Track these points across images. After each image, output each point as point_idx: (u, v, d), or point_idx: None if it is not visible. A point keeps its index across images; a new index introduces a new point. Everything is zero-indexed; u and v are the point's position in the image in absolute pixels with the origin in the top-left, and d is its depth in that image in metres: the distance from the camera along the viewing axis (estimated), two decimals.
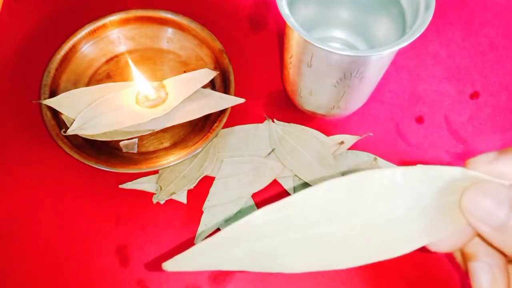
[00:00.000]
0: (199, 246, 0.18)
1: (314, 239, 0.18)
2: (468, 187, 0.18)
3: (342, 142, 0.36)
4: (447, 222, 0.19)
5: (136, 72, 0.34)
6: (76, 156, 0.33)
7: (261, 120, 0.38)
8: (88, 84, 0.38)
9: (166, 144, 0.37)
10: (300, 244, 0.18)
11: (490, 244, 0.19)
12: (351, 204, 0.18)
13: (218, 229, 0.34)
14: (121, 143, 0.36)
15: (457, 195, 0.18)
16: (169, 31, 0.39)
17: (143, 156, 0.36)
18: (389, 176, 0.18)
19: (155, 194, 0.35)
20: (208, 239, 0.18)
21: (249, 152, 0.36)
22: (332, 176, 0.33)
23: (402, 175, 0.18)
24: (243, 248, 0.18)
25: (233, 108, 0.35)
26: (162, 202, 0.35)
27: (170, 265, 0.18)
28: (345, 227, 0.18)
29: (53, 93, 0.36)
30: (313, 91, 0.33)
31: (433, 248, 0.20)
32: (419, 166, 0.18)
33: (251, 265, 0.18)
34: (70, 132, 0.34)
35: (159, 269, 0.33)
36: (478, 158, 0.19)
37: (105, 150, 0.35)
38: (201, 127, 0.36)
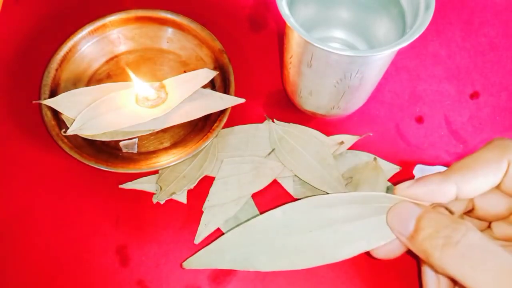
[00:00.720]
0: (203, 252, 0.26)
1: (276, 248, 0.25)
2: (391, 207, 0.24)
3: (342, 142, 0.36)
4: (381, 234, 0.24)
5: (134, 76, 0.34)
6: (76, 156, 0.33)
7: (261, 120, 0.38)
8: (88, 84, 0.38)
9: (166, 144, 0.37)
10: (266, 251, 0.25)
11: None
12: (302, 222, 0.25)
13: (218, 229, 0.34)
14: (121, 143, 0.36)
15: (385, 214, 0.24)
16: (169, 31, 0.39)
17: (143, 156, 0.36)
18: (328, 201, 0.24)
19: (155, 194, 0.35)
20: (206, 247, 0.26)
21: (249, 152, 0.36)
22: (332, 176, 0.34)
23: (345, 198, 0.24)
24: (227, 255, 0.25)
25: (233, 108, 0.35)
26: (162, 202, 0.35)
27: (187, 265, 0.26)
28: (298, 239, 0.25)
29: (53, 93, 0.36)
30: (313, 91, 0.33)
31: (374, 254, 0.25)
32: (358, 193, 0.25)
33: (236, 265, 0.25)
34: (70, 132, 0.34)
35: (159, 269, 0.33)
36: (399, 186, 0.24)
37: (105, 150, 0.35)
38: (201, 127, 0.36)
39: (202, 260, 0.26)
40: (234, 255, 0.25)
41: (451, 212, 0.23)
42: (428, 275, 0.27)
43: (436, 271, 0.23)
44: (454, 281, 0.26)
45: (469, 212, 0.26)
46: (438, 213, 0.23)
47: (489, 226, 0.26)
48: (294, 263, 0.25)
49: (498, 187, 0.24)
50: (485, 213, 0.25)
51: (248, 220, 0.26)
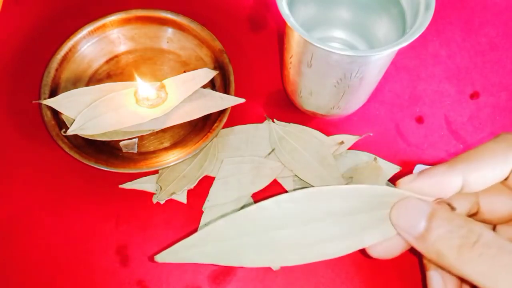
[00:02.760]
0: (182, 243, 0.23)
1: (265, 242, 0.23)
2: (396, 202, 0.22)
3: (342, 142, 0.36)
4: (379, 230, 0.23)
5: (137, 78, 0.35)
6: (76, 156, 0.33)
7: (261, 120, 0.38)
8: (88, 84, 0.38)
9: (166, 144, 0.37)
10: (254, 245, 0.23)
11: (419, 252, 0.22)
12: (294, 215, 0.23)
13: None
14: (121, 143, 0.36)
15: (386, 209, 0.23)
16: (169, 31, 0.39)
17: (143, 156, 0.36)
18: (326, 193, 0.23)
19: (155, 194, 0.35)
20: (187, 238, 0.23)
21: (249, 152, 0.36)
22: (331, 176, 0.34)
23: (340, 192, 0.23)
24: (213, 247, 0.23)
25: (233, 108, 0.35)
26: (162, 202, 0.35)
27: (160, 258, 0.24)
28: (289, 233, 0.23)
29: (53, 93, 0.36)
30: (313, 91, 0.33)
31: (371, 252, 0.24)
32: (358, 186, 0.23)
33: (221, 260, 0.23)
34: (70, 132, 0.34)
35: (159, 269, 0.33)
36: (403, 179, 0.23)
37: (105, 150, 0.35)
38: (201, 127, 0.36)
39: (181, 254, 0.23)
40: (218, 248, 0.23)
41: (453, 208, 0.22)
42: (434, 280, 0.25)
43: (449, 272, 0.22)
44: (464, 281, 0.25)
45: (473, 215, 0.25)
46: (449, 212, 0.22)
47: (493, 230, 0.26)
48: (286, 259, 0.23)
49: (504, 183, 0.23)
50: (490, 215, 0.25)
51: (236, 211, 0.23)
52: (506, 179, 0.23)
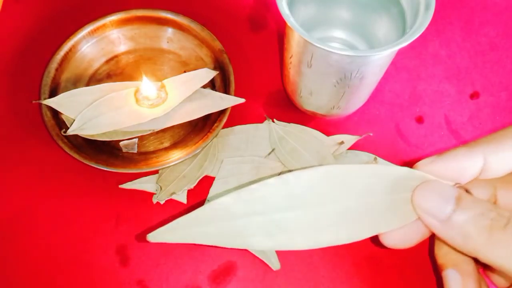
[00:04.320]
0: (179, 221, 0.21)
1: (275, 223, 0.21)
2: (419, 185, 0.21)
3: (342, 142, 0.36)
4: (397, 216, 0.21)
5: (144, 77, 0.35)
6: (76, 156, 0.33)
7: (261, 120, 0.38)
8: (88, 84, 0.38)
9: (166, 144, 0.37)
10: (263, 226, 0.21)
11: (443, 241, 0.21)
12: (307, 195, 0.21)
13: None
14: (121, 143, 0.36)
15: (406, 193, 0.21)
16: (169, 31, 0.39)
17: (143, 156, 0.36)
18: (343, 171, 0.21)
19: (155, 194, 0.35)
20: (186, 215, 0.21)
21: (249, 152, 0.36)
22: None
23: (356, 171, 0.21)
24: (215, 226, 0.20)
25: (233, 108, 0.35)
26: (162, 202, 0.35)
27: (152, 237, 0.21)
28: (300, 214, 0.21)
29: (53, 93, 0.36)
30: (313, 91, 0.33)
31: (386, 240, 0.22)
32: (379, 166, 0.21)
33: (223, 242, 0.21)
34: (70, 132, 0.34)
35: (159, 269, 0.33)
36: (422, 161, 0.22)
37: (105, 150, 0.35)
38: (201, 127, 0.36)
39: (178, 232, 0.21)
40: (222, 228, 0.21)
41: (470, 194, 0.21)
42: (452, 279, 0.24)
43: (473, 257, 0.21)
44: (487, 270, 0.24)
45: None
46: (475, 197, 0.21)
47: None
48: (296, 243, 0.21)
49: None
50: (508, 208, 0.23)
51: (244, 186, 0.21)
52: None
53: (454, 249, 0.21)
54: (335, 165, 0.21)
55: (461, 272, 0.24)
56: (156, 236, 0.21)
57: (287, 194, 0.21)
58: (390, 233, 0.22)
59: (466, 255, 0.21)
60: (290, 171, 0.35)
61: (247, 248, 0.22)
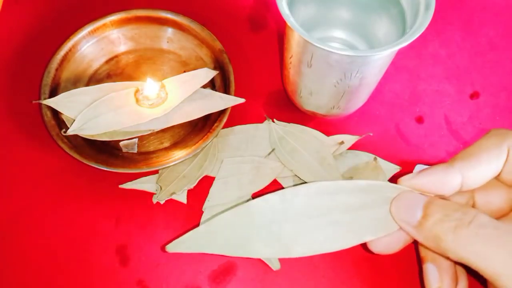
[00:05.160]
0: (190, 234, 0.24)
1: (274, 234, 0.23)
2: (395, 197, 0.24)
3: (342, 142, 0.36)
4: (382, 225, 0.23)
5: (149, 79, 0.35)
6: (76, 156, 0.33)
7: (261, 120, 0.38)
8: (88, 84, 0.38)
9: (166, 144, 0.37)
10: (263, 237, 0.23)
11: (423, 245, 0.23)
12: (301, 208, 0.23)
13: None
14: (121, 143, 0.36)
15: (388, 205, 0.24)
16: (169, 31, 0.39)
17: (143, 156, 0.36)
18: (332, 187, 0.24)
19: (155, 194, 0.35)
20: (195, 229, 0.24)
21: (249, 152, 0.36)
22: (331, 176, 0.34)
23: (344, 187, 0.24)
24: (220, 238, 0.23)
25: (233, 108, 0.35)
26: (162, 202, 0.35)
27: (170, 248, 0.25)
28: (296, 226, 0.23)
29: (53, 93, 0.36)
30: (313, 91, 0.33)
31: (372, 247, 0.24)
32: (361, 181, 0.24)
33: (228, 251, 0.23)
34: (70, 132, 0.34)
35: (159, 269, 0.33)
36: (404, 177, 0.24)
37: (105, 150, 0.35)
38: (201, 127, 0.36)
39: (189, 244, 0.24)
40: (227, 239, 0.24)
41: None
42: (431, 273, 0.26)
43: (447, 257, 0.22)
44: (465, 269, 0.25)
45: None
46: (444, 200, 0.23)
47: None
48: (291, 251, 0.24)
49: (498, 177, 0.24)
50: (485, 208, 0.25)
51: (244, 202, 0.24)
52: (499, 174, 0.24)
53: (432, 250, 0.23)
54: (325, 182, 0.24)
55: (438, 267, 0.26)
56: (174, 247, 0.24)
57: (283, 208, 0.24)
58: (376, 240, 0.24)
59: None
60: (290, 171, 0.35)
61: (250, 257, 0.24)
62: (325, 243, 0.24)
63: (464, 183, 0.23)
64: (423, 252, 0.27)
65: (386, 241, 0.24)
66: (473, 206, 0.26)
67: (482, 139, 0.24)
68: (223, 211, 0.24)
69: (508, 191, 0.25)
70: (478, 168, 0.23)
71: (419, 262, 0.33)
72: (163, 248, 0.34)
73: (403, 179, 0.24)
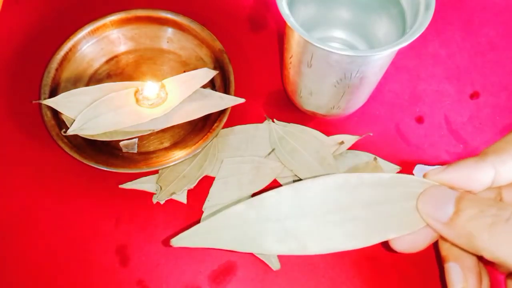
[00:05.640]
0: (198, 227, 0.22)
1: (286, 229, 0.22)
2: (422, 192, 0.22)
3: (342, 142, 0.36)
4: (406, 222, 0.22)
5: (150, 82, 0.35)
6: (76, 156, 0.33)
7: (261, 120, 0.38)
8: (88, 84, 0.38)
9: (166, 144, 0.37)
10: (275, 232, 0.22)
11: (451, 242, 0.22)
12: (317, 203, 0.22)
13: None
14: (121, 143, 0.36)
15: (414, 201, 0.22)
16: (169, 31, 0.39)
17: (143, 156, 0.36)
18: (351, 180, 0.22)
19: (155, 194, 0.35)
20: (203, 222, 0.22)
21: (249, 152, 0.36)
22: None
23: (364, 180, 0.22)
24: (230, 233, 0.22)
25: (233, 108, 0.35)
26: (162, 202, 0.35)
27: (175, 242, 0.22)
28: (311, 222, 0.22)
29: (53, 93, 0.36)
30: (313, 91, 0.33)
31: (395, 245, 0.23)
32: (384, 174, 0.22)
33: (237, 247, 0.22)
34: (70, 132, 0.34)
35: (159, 269, 0.33)
36: (431, 170, 0.22)
37: (105, 150, 0.35)
38: (201, 127, 0.36)
39: (195, 238, 0.22)
40: (237, 233, 0.22)
41: None
42: (454, 272, 0.24)
43: (480, 256, 0.21)
44: (493, 266, 0.24)
45: None
46: (476, 195, 0.21)
47: None
48: (305, 247, 0.22)
49: None
50: None
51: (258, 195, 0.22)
52: None
53: (462, 249, 0.21)
54: (344, 174, 0.22)
55: (462, 266, 0.24)
56: (178, 241, 0.22)
57: (298, 202, 0.22)
58: (399, 238, 0.22)
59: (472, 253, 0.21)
60: (291, 171, 0.35)
61: (260, 252, 0.23)
62: (344, 241, 0.22)
63: (497, 177, 0.22)
64: (445, 251, 0.25)
65: (411, 239, 0.23)
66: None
67: None
68: (227, 206, 0.23)
69: None
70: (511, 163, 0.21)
71: (419, 262, 0.33)
72: (163, 248, 0.34)
73: (431, 173, 0.22)
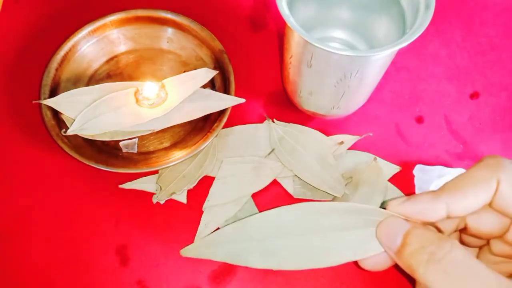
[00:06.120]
0: (202, 241, 0.27)
1: (268, 247, 0.26)
2: (381, 221, 0.25)
3: (342, 142, 0.36)
4: (370, 245, 0.25)
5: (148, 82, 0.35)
6: (76, 156, 0.33)
7: (261, 120, 0.38)
8: (88, 84, 0.38)
9: (166, 144, 0.37)
10: (259, 250, 0.26)
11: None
12: (293, 226, 0.26)
13: (218, 229, 0.34)
14: (121, 143, 0.36)
15: (375, 228, 0.25)
16: (169, 31, 0.39)
17: (143, 156, 0.36)
18: (322, 208, 0.26)
19: (155, 194, 0.35)
20: (206, 237, 0.27)
21: (249, 152, 0.36)
22: (331, 176, 0.34)
23: (333, 208, 0.25)
24: (223, 248, 0.26)
25: (233, 108, 0.35)
26: (162, 202, 0.35)
27: (183, 252, 0.27)
28: (288, 242, 0.26)
29: (53, 93, 0.36)
30: (313, 91, 0.33)
31: (362, 264, 0.25)
32: (352, 204, 0.25)
33: (231, 259, 0.26)
34: (70, 132, 0.34)
35: (159, 269, 0.33)
36: (392, 202, 0.25)
37: (105, 150, 0.35)
38: (201, 127, 0.36)
39: (199, 250, 0.27)
40: (228, 249, 0.26)
41: (439, 230, 0.24)
42: None
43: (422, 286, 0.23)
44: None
45: (463, 230, 0.26)
46: (425, 229, 0.23)
47: (487, 243, 0.27)
48: (282, 264, 0.25)
49: (489, 205, 0.24)
50: (477, 232, 0.26)
51: (246, 217, 0.27)
52: (489, 203, 0.24)
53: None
54: (319, 202, 0.26)
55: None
56: (187, 252, 0.27)
57: (278, 224, 0.26)
58: (365, 259, 0.25)
59: None
60: (290, 171, 0.35)
61: (245, 265, 0.26)
62: (316, 259, 0.25)
63: (450, 213, 0.24)
64: None
65: (375, 260, 0.25)
66: (465, 228, 0.26)
67: (472, 169, 0.24)
68: (225, 224, 0.26)
69: (499, 216, 0.25)
70: (464, 201, 0.23)
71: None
72: (163, 248, 0.34)
73: (391, 204, 0.25)
